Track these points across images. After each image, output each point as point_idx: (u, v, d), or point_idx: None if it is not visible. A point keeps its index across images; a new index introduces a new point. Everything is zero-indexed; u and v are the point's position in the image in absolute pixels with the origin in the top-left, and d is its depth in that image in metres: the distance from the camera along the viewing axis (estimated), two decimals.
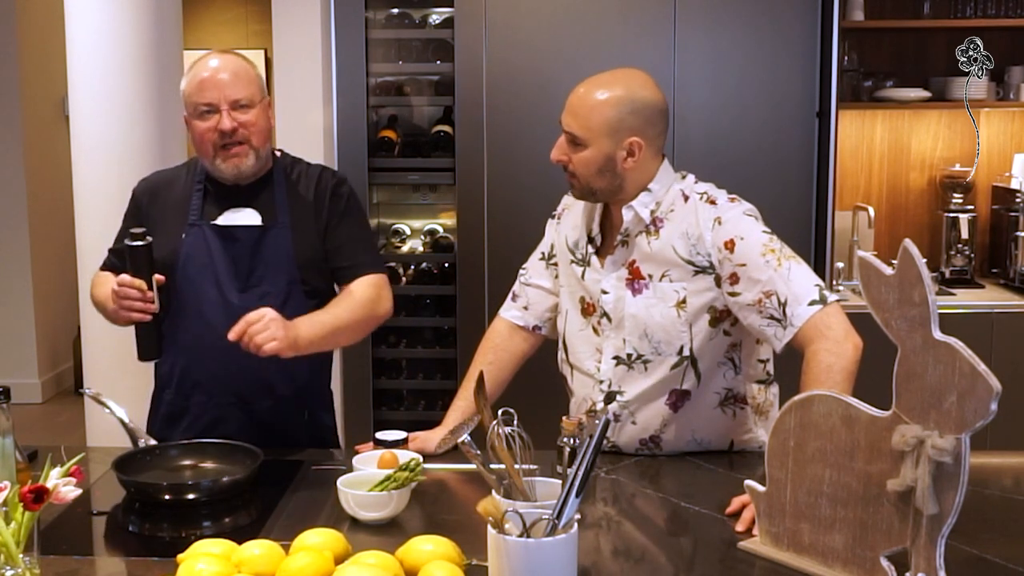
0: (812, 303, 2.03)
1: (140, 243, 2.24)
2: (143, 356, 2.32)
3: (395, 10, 4.20)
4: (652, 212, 2.18)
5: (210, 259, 2.34)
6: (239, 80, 2.30)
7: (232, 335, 2.15)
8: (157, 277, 2.25)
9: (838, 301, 2.06)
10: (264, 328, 2.15)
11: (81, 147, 3.71)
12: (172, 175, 2.49)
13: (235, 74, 2.30)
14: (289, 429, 2.39)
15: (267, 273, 2.35)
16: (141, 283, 2.21)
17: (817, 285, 2.05)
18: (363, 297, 2.36)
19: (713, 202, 2.16)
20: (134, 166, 3.38)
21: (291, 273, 2.35)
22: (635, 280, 2.19)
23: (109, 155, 3.63)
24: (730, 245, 2.10)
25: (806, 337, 2.01)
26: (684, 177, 2.23)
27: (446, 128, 4.10)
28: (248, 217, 2.38)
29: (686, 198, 2.18)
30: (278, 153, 2.47)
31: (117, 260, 2.41)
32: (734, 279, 2.10)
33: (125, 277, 2.23)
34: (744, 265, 2.09)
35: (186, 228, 2.37)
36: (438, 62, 4.14)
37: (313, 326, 2.26)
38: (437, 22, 4.22)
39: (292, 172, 2.44)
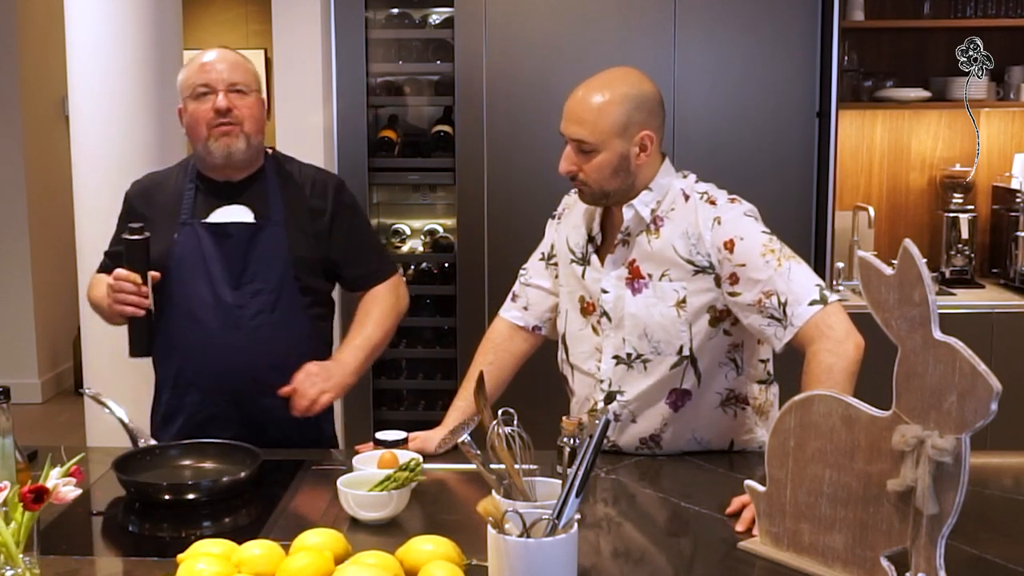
0: (813, 303, 2.02)
1: (137, 237, 2.26)
2: (134, 352, 2.33)
3: (395, 10, 4.20)
4: (653, 211, 2.18)
5: (202, 257, 2.35)
6: (237, 68, 2.37)
7: (285, 392, 2.33)
8: (152, 274, 2.27)
9: (839, 301, 2.06)
10: (311, 385, 2.32)
11: (81, 147, 3.71)
12: (164, 176, 2.51)
13: (235, 63, 2.38)
14: (284, 430, 2.37)
15: (260, 270, 2.36)
16: (136, 276, 2.24)
17: (818, 285, 2.05)
18: (387, 306, 2.49)
19: (713, 202, 2.16)
20: (134, 166, 3.37)
21: (285, 271, 2.37)
22: (635, 279, 2.19)
23: (109, 155, 3.63)
24: (729, 245, 2.10)
25: (807, 337, 2.01)
26: (685, 176, 2.23)
27: (446, 128, 4.10)
28: (240, 214, 2.39)
29: (686, 197, 2.18)
30: (269, 151, 2.48)
31: (113, 263, 2.40)
32: (734, 279, 2.10)
33: (121, 271, 2.25)
34: (744, 265, 2.08)
35: (178, 227, 2.37)
36: (438, 62, 4.14)
37: (355, 356, 2.41)
38: (437, 22, 4.22)
39: (285, 170, 2.46)
